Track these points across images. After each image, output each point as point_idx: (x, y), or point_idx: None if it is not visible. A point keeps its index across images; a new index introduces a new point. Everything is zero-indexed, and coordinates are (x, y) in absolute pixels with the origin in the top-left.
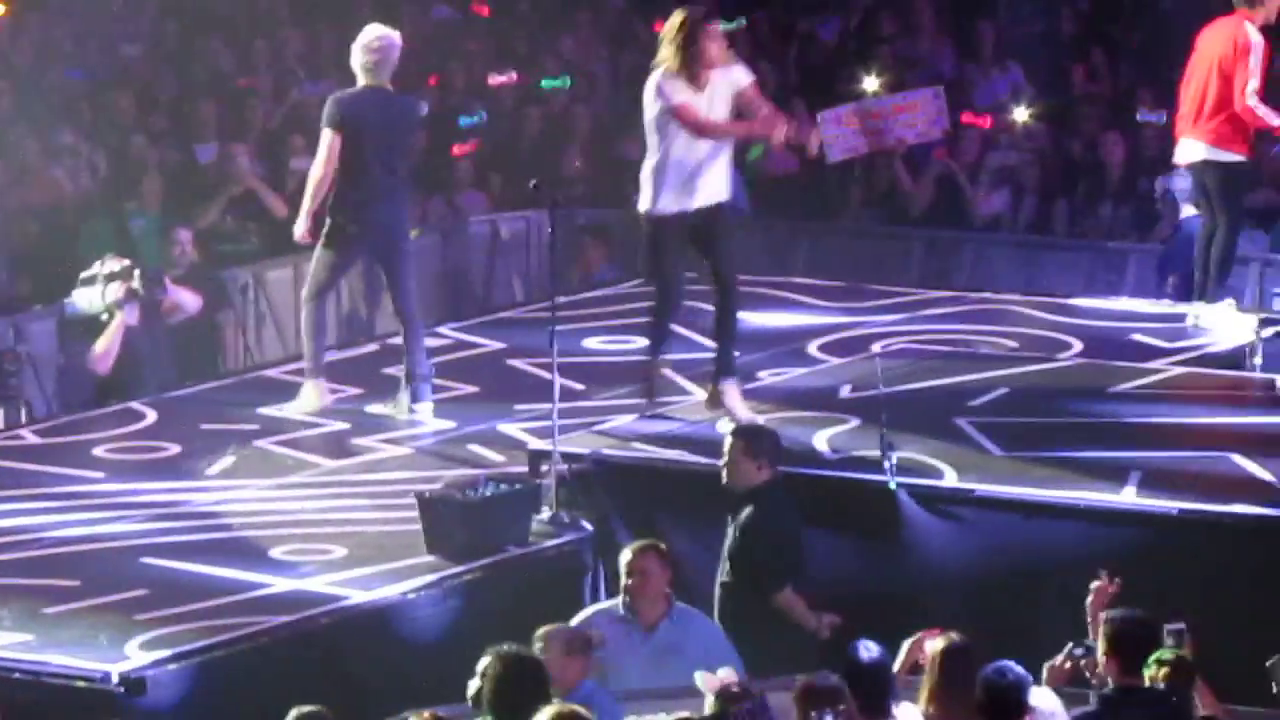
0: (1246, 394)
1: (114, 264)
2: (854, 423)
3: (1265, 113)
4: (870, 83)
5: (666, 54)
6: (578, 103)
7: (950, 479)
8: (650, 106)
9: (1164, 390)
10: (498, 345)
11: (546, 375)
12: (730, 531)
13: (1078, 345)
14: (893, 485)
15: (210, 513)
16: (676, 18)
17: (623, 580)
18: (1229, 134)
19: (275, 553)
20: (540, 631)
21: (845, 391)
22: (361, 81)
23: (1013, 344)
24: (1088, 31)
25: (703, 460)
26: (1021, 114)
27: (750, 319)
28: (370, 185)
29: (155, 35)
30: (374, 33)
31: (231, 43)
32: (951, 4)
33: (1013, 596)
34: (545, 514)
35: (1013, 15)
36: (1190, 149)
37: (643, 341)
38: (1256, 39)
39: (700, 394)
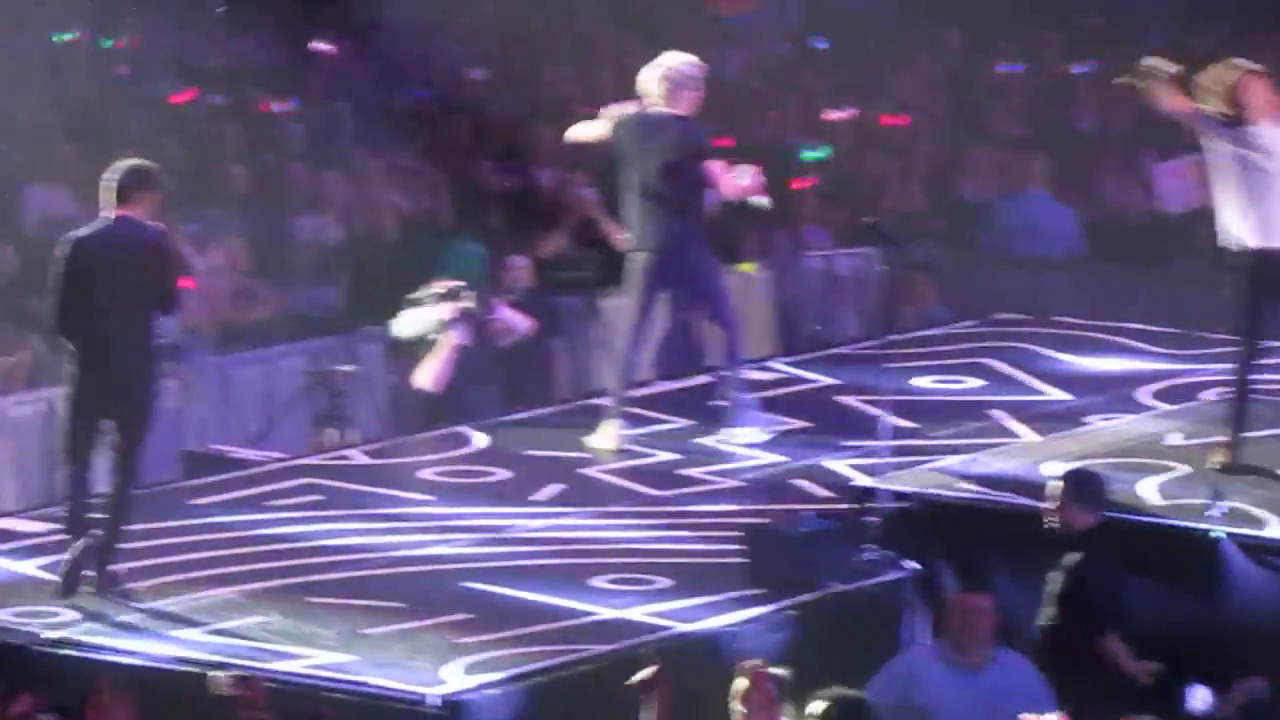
0: None
1: (443, 286)
2: (1181, 470)
3: None
4: None
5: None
6: (918, 139)
7: (1275, 529)
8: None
9: None
10: (829, 381)
11: (876, 412)
12: (1056, 575)
13: None
14: (1217, 534)
15: (536, 539)
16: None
17: (950, 620)
18: None
19: (599, 581)
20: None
21: (1176, 439)
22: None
23: None
24: None
25: (1027, 502)
26: None
27: (1083, 362)
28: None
29: (498, 59)
30: (670, 61)
31: (576, 69)
32: None
33: None
34: (869, 551)
35: None
36: None
37: (977, 381)
38: None
39: (1032, 436)
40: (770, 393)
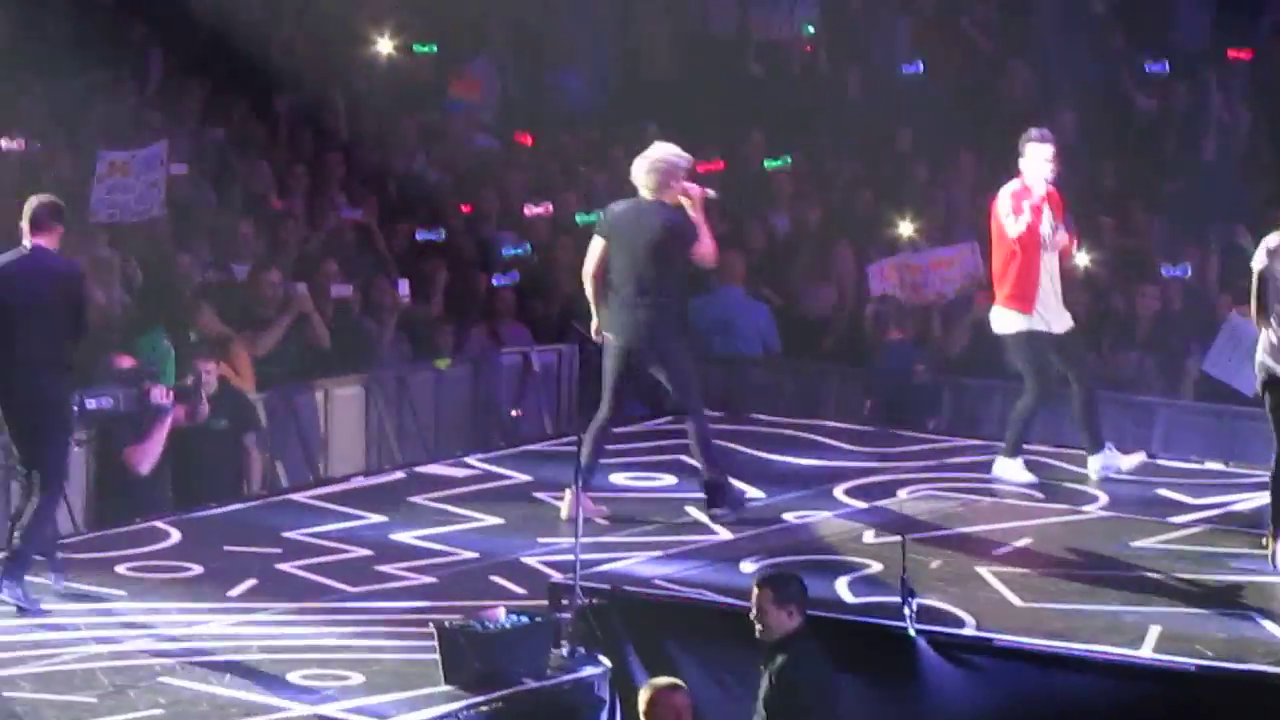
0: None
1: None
2: (875, 568)
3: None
4: (905, 227)
5: None
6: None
7: (970, 628)
8: None
9: (1188, 546)
10: (525, 477)
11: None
12: (764, 680)
13: (1103, 498)
14: (912, 632)
15: (229, 635)
16: None
17: (645, 717)
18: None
19: (293, 677)
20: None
21: (869, 537)
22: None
23: (1039, 495)
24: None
25: (720, 599)
26: (1083, 259)
27: (778, 459)
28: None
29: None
30: (660, 152)
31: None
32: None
33: None
34: (563, 648)
35: None
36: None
37: (672, 478)
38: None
39: (724, 532)
40: (465, 489)
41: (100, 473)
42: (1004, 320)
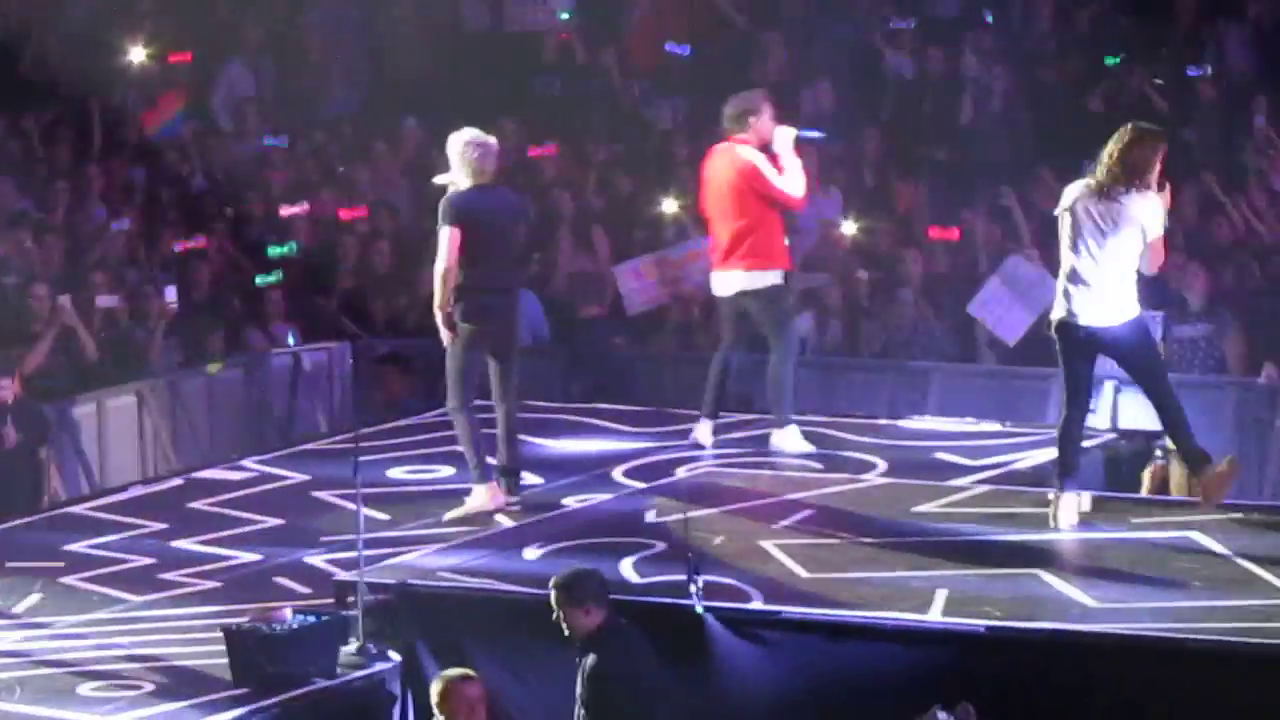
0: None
1: None
2: (660, 547)
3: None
4: (669, 204)
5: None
6: (379, 235)
7: (757, 602)
8: None
9: (969, 509)
10: (302, 477)
11: (351, 506)
12: (580, 680)
13: (882, 465)
14: (699, 609)
15: (17, 650)
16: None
17: (438, 711)
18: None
19: (84, 690)
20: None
21: (651, 516)
22: (468, 181)
23: (817, 465)
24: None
25: (509, 588)
26: (850, 228)
27: (556, 445)
28: (490, 279)
29: None
30: (471, 135)
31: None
32: None
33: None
34: (352, 645)
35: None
36: (726, 281)
37: (449, 469)
38: (757, 156)
39: (506, 521)
40: (244, 491)
41: None
42: (760, 278)
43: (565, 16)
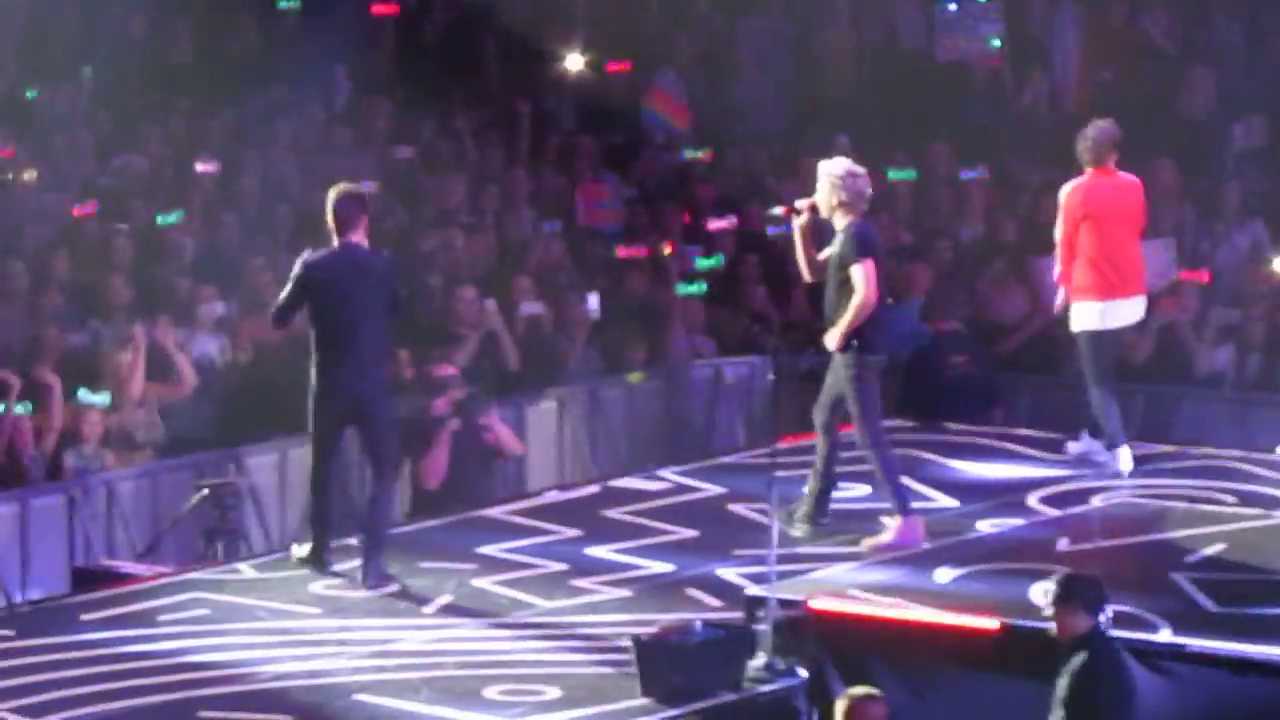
0: None
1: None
2: (1078, 574)
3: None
4: None
5: None
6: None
7: (1164, 634)
8: None
9: None
10: (718, 490)
11: (766, 521)
12: (1062, 680)
13: None
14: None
15: (425, 651)
16: None
17: None
18: None
19: (489, 693)
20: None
21: (1063, 545)
22: (847, 217)
23: (1231, 499)
24: None
25: (918, 610)
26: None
27: (970, 469)
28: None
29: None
30: (849, 165)
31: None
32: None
33: None
34: (759, 660)
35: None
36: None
37: (866, 488)
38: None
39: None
40: (660, 502)
41: None
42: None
43: (996, 44)
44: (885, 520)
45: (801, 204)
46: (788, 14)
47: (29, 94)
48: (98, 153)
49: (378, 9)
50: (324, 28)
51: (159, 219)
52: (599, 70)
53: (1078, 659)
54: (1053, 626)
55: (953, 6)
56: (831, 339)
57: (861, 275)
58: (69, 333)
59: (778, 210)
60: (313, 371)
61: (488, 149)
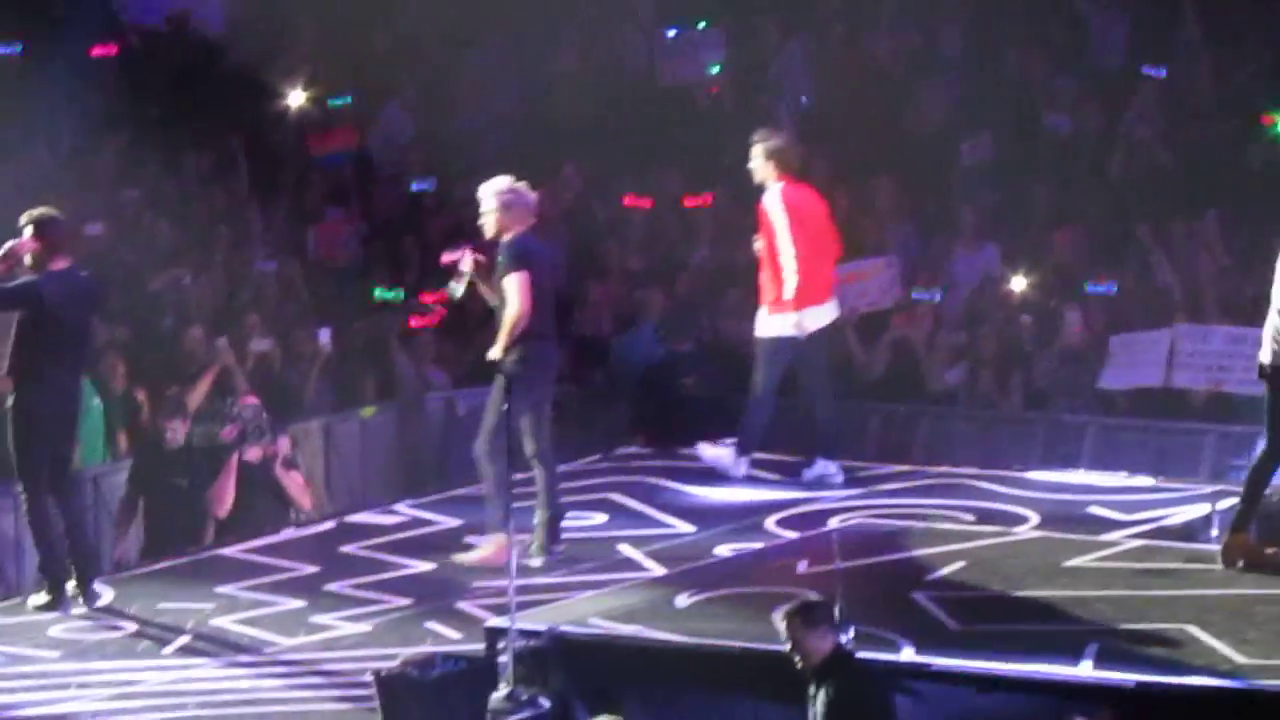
0: (1203, 566)
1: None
2: (811, 598)
3: None
4: None
5: None
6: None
7: (908, 653)
8: None
9: (1121, 563)
10: (455, 521)
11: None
12: (816, 710)
13: (1035, 518)
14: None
15: (166, 690)
16: None
17: None
18: None
19: None
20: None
21: (803, 567)
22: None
23: (970, 517)
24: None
25: (661, 636)
26: (1020, 284)
27: (707, 493)
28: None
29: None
30: (509, 183)
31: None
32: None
33: None
34: (503, 691)
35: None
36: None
37: (603, 516)
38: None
39: (657, 569)
40: (399, 535)
41: None
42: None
43: (715, 70)
44: (475, 539)
45: (463, 264)
46: (514, 45)
47: None
48: None
49: (97, 50)
50: (46, 71)
51: None
52: (321, 104)
53: (829, 686)
54: (796, 658)
55: (672, 33)
56: (494, 353)
57: (515, 287)
58: None
59: (453, 283)
60: (24, 392)
61: (214, 187)
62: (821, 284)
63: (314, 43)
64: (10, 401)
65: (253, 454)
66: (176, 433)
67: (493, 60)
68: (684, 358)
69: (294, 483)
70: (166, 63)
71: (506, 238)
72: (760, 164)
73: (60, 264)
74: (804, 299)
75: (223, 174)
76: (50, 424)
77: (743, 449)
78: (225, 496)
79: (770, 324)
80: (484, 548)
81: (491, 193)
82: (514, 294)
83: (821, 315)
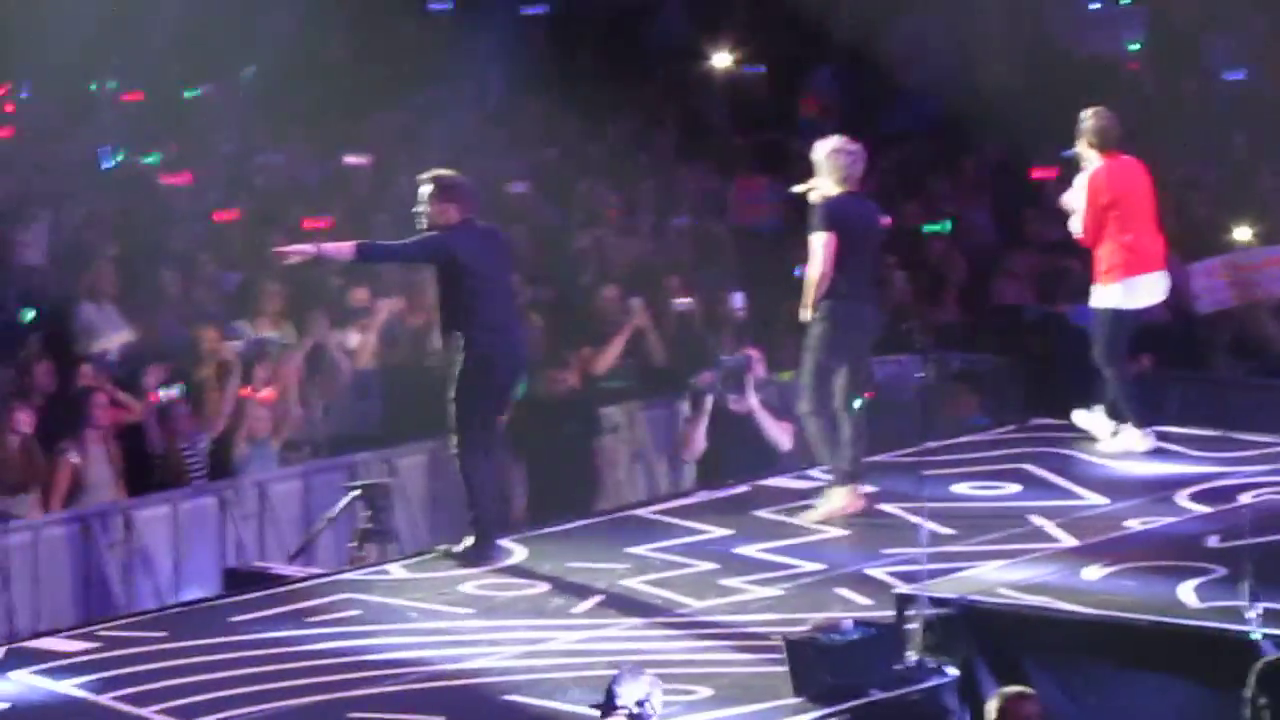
0: None
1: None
2: (1220, 572)
3: None
4: (1242, 233)
5: None
6: (954, 250)
7: None
8: None
9: None
10: (869, 488)
11: (915, 520)
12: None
13: None
14: (1256, 636)
15: (575, 650)
16: None
17: None
18: None
19: None
20: None
21: (1213, 541)
22: (837, 189)
23: None
24: None
25: (1069, 607)
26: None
27: (1116, 466)
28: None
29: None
30: (840, 142)
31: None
32: None
33: None
34: (910, 658)
35: None
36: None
37: (1015, 487)
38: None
39: (1068, 539)
40: (809, 501)
41: None
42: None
43: (1135, 47)
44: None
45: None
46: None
47: (188, 94)
48: (245, 153)
49: (528, 8)
50: (476, 28)
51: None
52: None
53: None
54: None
55: (1095, 6)
56: (802, 314)
57: (818, 247)
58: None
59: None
60: (471, 351)
61: (637, 147)
62: (1142, 258)
63: (742, 5)
64: (451, 356)
65: (739, 405)
66: (564, 382)
67: (921, 27)
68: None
69: (771, 424)
70: (593, 22)
71: (816, 198)
72: (1080, 143)
73: (454, 219)
74: (1128, 270)
75: (647, 134)
76: (497, 378)
77: (1142, 422)
78: (695, 440)
79: (1100, 296)
80: (826, 503)
81: (821, 152)
82: (815, 254)
83: (1149, 286)
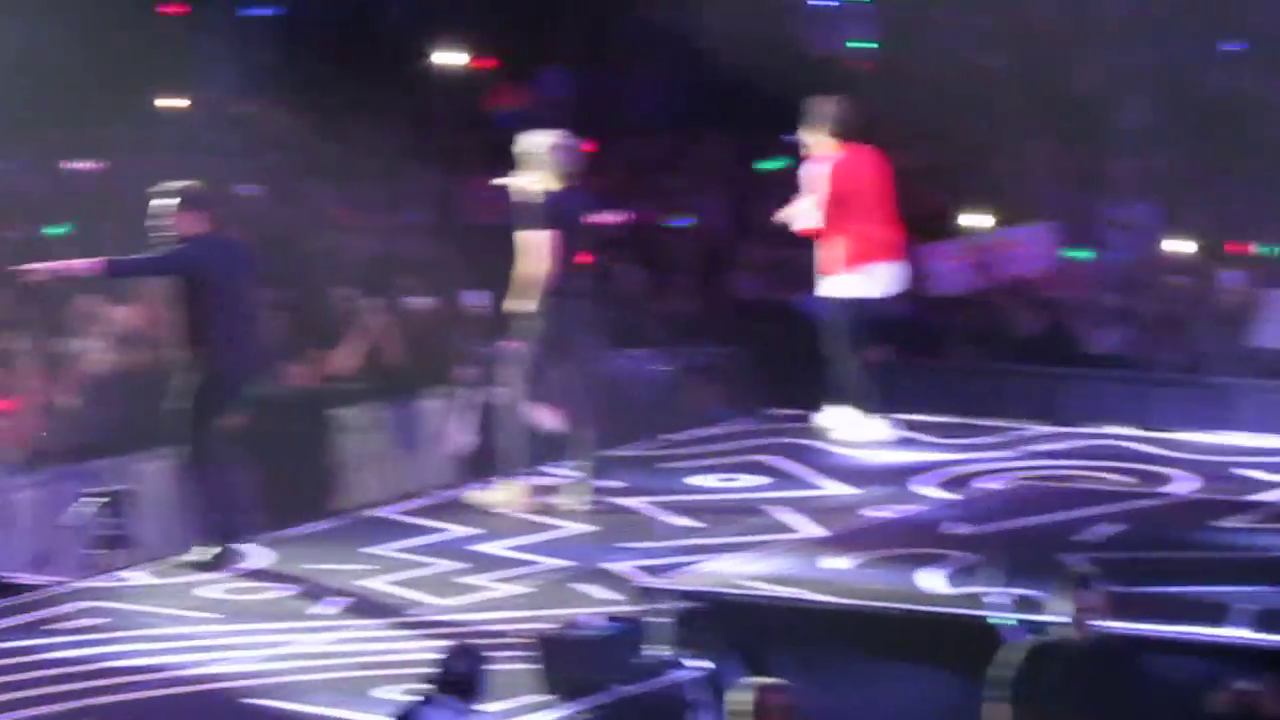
0: None
1: None
2: (964, 559)
3: None
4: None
5: None
6: (690, 242)
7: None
8: None
9: (1275, 524)
10: (608, 483)
11: (658, 514)
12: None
13: (1188, 480)
14: (999, 621)
15: (319, 653)
16: None
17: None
18: None
19: (381, 692)
20: None
21: (955, 529)
22: (557, 184)
23: (1123, 478)
24: None
25: (815, 597)
26: (1178, 246)
27: (857, 455)
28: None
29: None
30: (558, 137)
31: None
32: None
33: None
34: (656, 652)
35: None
36: None
37: (758, 478)
38: None
39: (814, 530)
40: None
41: None
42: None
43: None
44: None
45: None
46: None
47: None
48: None
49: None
50: (205, 30)
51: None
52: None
53: None
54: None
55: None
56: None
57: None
58: None
59: None
60: (204, 363)
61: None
62: (877, 247)
63: (471, 3)
64: (188, 366)
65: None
66: (295, 379)
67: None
68: None
69: (538, 412)
70: (323, 23)
71: (535, 193)
72: (815, 131)
73: (200, 230)
74: (864, 259)
75: (375, 134)
76: (228, 390)
77: (877, 410)
78: (454, 435)
79: (835, 285)
80: (500, 492)
81: (540, 147)
82: (537, 249)
83: (885, 276)
